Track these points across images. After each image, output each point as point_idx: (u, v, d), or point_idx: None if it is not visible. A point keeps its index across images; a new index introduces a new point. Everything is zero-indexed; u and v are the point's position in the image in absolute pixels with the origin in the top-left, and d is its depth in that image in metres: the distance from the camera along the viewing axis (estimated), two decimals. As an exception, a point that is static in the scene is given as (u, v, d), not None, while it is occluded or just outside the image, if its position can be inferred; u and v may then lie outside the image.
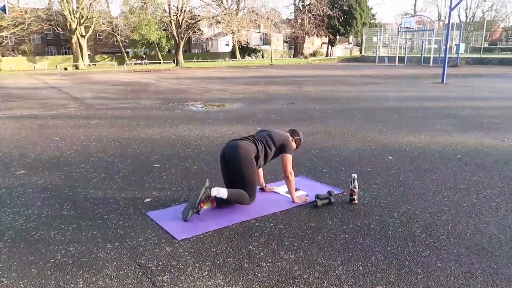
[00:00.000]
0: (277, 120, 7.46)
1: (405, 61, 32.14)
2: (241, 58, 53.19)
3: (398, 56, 32.09)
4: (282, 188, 3.68)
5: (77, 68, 33.77)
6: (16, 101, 10.81)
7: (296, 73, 22.88)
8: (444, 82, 14.38)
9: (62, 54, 52.07)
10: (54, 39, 54.81)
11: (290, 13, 57.28)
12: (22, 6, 33.31)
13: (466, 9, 62.57)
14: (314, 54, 61.42)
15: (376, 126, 6.77)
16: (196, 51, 61.90)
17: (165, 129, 6.68)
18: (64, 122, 7.41)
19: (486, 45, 50.46)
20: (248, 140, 3.37)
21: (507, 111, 8.19)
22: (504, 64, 27.60)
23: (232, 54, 54.13)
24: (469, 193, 3.60)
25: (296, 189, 3.63)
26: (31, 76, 23.36)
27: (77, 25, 33.95)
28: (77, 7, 33.96)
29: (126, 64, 36.94)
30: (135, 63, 43.38)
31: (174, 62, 37.56)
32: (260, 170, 3.66)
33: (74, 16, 33.51)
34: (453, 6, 13.54)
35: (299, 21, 52.12)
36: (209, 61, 45.58)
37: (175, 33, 34.14)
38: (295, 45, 57.86)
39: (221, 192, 3.17)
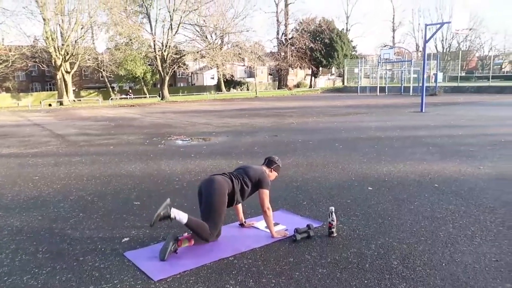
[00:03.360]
0: (260, 153, 7.51)
1: (386, 91, 32.99)
2: (227, 90, 53.85)
3: (379, 86, 32.95)
4: (261, 223, 3.68)
5: (61, 104, 33.64)
6: (-3, 140, 10.68)
7: (280, 105, 23.24)
8: (423, 111, 14.77)
9: (47, 90, 51.96)
10: (39, 76, 54.85)
11: (274, 46, 58.71)
12: (6, 44, 33.48)
13: (442, 40, 64.99)
14: (298, 85, 62.63)
15: (356, 156, 6.87)
16: (182, 85, 62.53)
17: (148, 165, 6.67)
18: (45, 160, 7.34)
19: (463, 74, 52.30)
20: (225, 175, 3.40)
21: (482, 139, 8.41)
22: (480, 92, 28.54)
23: (218, 87, 54.80)
24: (445, 222, 3.66)
25: (276, 224, 3.65)
26: (14, 113, 23.20)
27: (62, 61, 34.11)
28: (62, 44, 34.26)
29: (111, 99, 37.00)
30: (120, 98, 43.50)
31: (159, 96, 37.81)
32: (239, 206, 3.67)
33: (59, 53, 33.72)
34: (427, 39, 14.12)
35: (283, 54, 53.47)
36: (195, 94, 45.98)
37: (160, 68, 34.60)
38: (279, 77, 59.03)
39: (181, 216, 3.14)
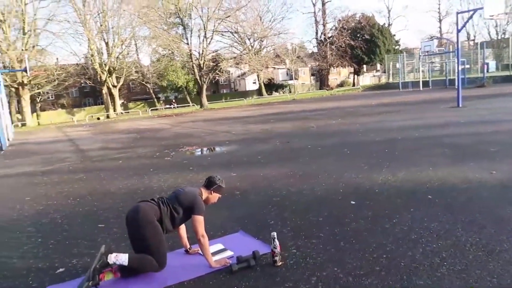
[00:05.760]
0: (261, 163, 7.18)
1: (430, 85, 31.12)
2: (268, 94, 53.70)
3: (423, 81, 31.15)
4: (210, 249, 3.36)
5: (108, 117, 35.29)
6: (23, 158, 11.18)
7: (312, 106, 22.60)
8: (460, 105, 13.60)
9: (99, 105, 54.56)
10: (91, 91, 57.75)
11: (313, 46, 57.83)
12: (57, 64, 35.64)
13: (496, 26, 60.42)
14: (342, 84, 61.13)
15: (359, 163, 6.32)
16: (225, 91, 63.31)
17: (141, 181, 6.55)
18: (49, 179, 7.48)
19: (521, 61, 48.19)
20: (153, 202, 3.14)
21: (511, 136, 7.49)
22: (537, 80, 26.07)
23: (259, 91, 54.80)
24: (415, 246, 3.13)
25: (223, 250, 3.35)
26: (58, 129, 24.49)
27: (106, 76, 35.80)
28: (107, 60, 35.95)
29: (152, 109, 38.19)
30: (165, 108, 44.80)
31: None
32: (183, 231, 3.39)
33: (104, 69, 35.45)
34: (459, 28, 13.02)
35: (323, 53, 52.46)
36: (236, 100, 46.30)
37: (197, 77, 35.11)
38: (320, 78, 58.01)
39: (121, 258, 2.89)
